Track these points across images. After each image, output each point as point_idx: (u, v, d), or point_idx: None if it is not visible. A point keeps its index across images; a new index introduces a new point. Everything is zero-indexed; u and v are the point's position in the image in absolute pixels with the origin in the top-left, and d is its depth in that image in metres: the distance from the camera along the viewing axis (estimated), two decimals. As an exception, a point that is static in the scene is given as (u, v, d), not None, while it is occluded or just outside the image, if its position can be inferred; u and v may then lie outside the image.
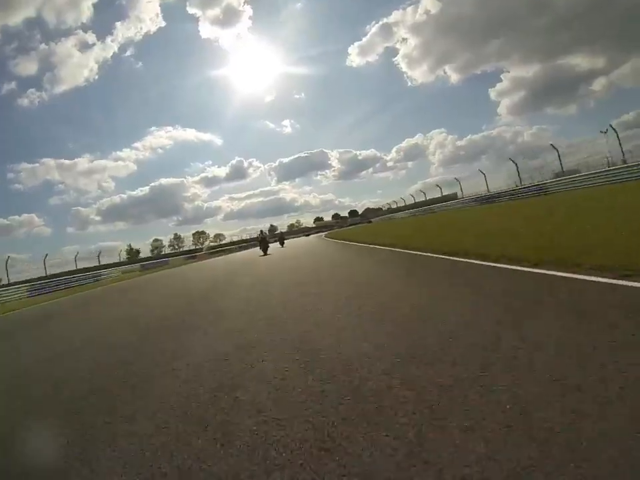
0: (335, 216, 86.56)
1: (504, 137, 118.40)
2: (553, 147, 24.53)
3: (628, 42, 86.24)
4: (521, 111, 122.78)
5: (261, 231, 22.83)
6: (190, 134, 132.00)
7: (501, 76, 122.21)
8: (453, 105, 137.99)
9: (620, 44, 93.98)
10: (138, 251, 68.59)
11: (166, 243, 76.70)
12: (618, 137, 21.04)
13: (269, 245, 20.52)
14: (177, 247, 79.80)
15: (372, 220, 54.37)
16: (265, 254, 18.73)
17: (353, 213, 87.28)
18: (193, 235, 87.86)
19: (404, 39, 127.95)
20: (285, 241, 31.72)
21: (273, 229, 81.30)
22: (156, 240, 79.52)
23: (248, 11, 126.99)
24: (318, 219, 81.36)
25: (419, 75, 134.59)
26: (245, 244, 64.61)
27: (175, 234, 79.28)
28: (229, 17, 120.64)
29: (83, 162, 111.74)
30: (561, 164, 24.16)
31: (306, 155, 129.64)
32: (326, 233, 49.81)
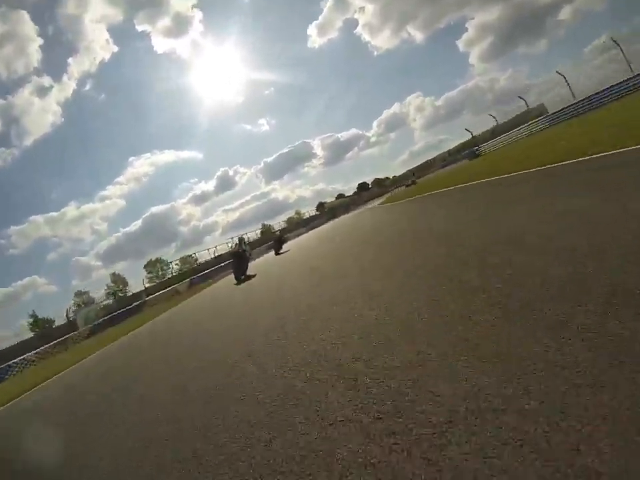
0: (340, 196, 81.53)
1: (481, 87, 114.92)
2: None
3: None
4: (492, 57, 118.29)
5: (240, 240, 14.27)
6: (169, 156, 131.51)
7: (466, 25, 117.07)
8: (424, 65, 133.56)
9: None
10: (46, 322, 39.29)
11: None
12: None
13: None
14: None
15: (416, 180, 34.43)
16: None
17: (363, 186, 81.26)
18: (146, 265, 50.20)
19: (361, 8, 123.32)
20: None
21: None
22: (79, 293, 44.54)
23: (197, 14, 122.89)
24: (320, 205, 74.92)
25: (382, 41, 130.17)
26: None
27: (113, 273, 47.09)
28: (179, 25, 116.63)
29: (70, 210, 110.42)
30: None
31: (289, 149, 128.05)
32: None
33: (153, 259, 49.83)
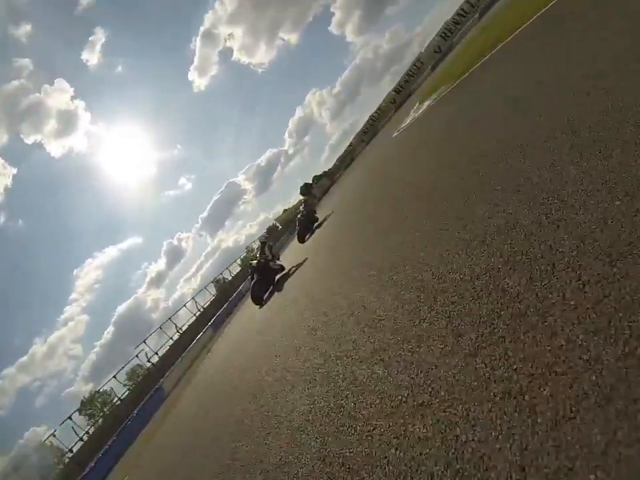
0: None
1: (368, 58, 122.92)
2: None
3: None
4: (366, 28, 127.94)
5: (262, 246, 10.46)
6: (111, 252, 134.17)
7: (331, 9, 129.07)
8: (308, 62, 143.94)
9: None
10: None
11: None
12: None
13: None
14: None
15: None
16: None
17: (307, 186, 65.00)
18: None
19: (229, 35, 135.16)
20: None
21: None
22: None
23: (79, 104, 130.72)
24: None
25: (262, 57, 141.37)
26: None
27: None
28: (67, 122, 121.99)
29: (39, 348, 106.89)
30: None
31: (218, 196, 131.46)
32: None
33: (87, 397, 31.60)
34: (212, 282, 34.68)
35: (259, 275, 9.69)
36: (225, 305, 25.02)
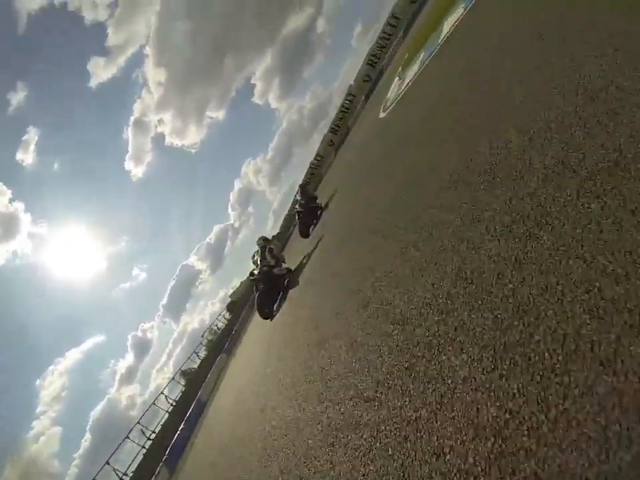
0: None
1: (294, 121, 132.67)
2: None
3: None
4: (288, 92, 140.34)
5: (262, 250, 9.06)
6: (73, 355, 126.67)
7: (252, 82, 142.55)
8: (238, 135, 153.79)
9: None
10: None
11: None
12: None
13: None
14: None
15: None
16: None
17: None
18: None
19: (159, 120, 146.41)
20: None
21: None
22: None
23: (19, 206, 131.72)
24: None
25: (193, 137, 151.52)
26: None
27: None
28: (7, 226, 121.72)
29: (10, 474, 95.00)
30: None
31: (174, 280, 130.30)
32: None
33: None
34: (179, 373, 31.00)
35: (263, 284, 8.60)
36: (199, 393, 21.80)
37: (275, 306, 8.54)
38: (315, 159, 28.45)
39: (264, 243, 8.96)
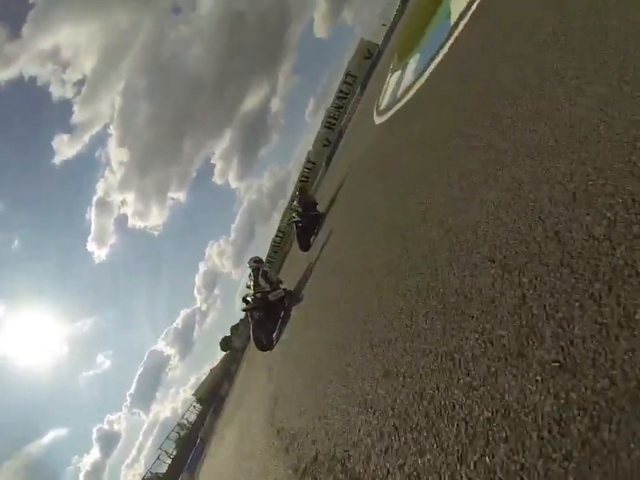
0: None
1: (255, 200, 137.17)
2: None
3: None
4: (247, 172, 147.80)
5: (255, 273, 7.76)
6: (31, 450, 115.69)
7: (212, 161, 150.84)
8: (200, 216, 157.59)
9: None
10: None
11: None
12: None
13: None
14: None
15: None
16: None
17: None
18: None
19: (122, 201, 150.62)
20: None
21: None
22: None
23: None
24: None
25: (156, 219, 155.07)
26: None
27: None
28: None
29: None
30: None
31: (142, 368, 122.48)
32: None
33: None
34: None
35: (259, 312, 7.64)
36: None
37: (275, 334, 7.59)
38: (277, 235, 28.78)
39: (257, 265, 8.07)
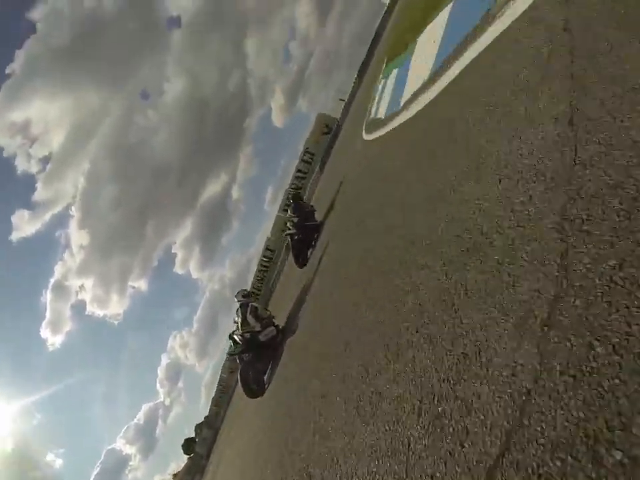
0: None
1: (217, 290, 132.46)
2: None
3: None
4: (209, 261, 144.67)
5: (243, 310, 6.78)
6: None
7: (173, 251, 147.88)
8: (162, 305, 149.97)
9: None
10: None
11: None
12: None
13: None
14: None
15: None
16: None
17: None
18: None
19: (80, 286, 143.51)
20: None
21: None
22: None
23: None
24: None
25: (116, 307, 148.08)
26: None
27: None
28: None
29: None
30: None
31: (98, 468, 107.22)
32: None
33: None
34: None
35: (247, 353, 6.73)
36: None
37: (266, 377, 6.69)
38: (264, 256, 27.29)
39: (245, 300, 7.25)
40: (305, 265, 8.71)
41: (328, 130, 20.30)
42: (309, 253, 8.83)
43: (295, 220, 8.66)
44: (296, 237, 8.61)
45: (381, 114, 7.48)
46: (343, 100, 20.79)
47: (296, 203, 9.20)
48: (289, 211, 9.42)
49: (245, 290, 7.40)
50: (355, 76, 21.45)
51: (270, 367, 6.80)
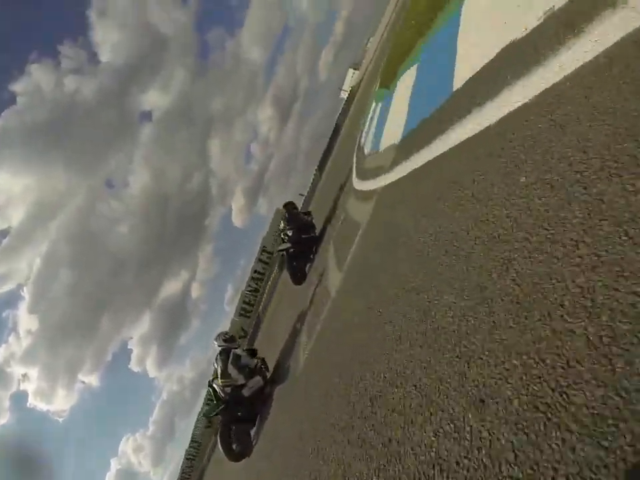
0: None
1: (174, 391, 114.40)
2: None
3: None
4: (167, 360, 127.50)
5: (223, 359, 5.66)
6: None
7: (129, 347, 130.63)
8: (115, 404, 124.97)
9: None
10: None
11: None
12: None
13: None
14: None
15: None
16: None
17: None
18: None
19: (24, 375, 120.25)
20: None
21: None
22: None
23: None
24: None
25: (61, 403, 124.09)
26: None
27: None
28: None
29: None
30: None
31: None
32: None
33: None
34: None
35: (229, 408, 5.58)
36: None
37: (252, 432, 5.60)
38: (190, 446, 23.60)
39: (226, 345, 6.24)
40: (303, 281, 7.90)
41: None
42: (307, 269, 8.05)
43: (290, 233, 7.86)
44: (291, 251, 7.78)
45: (367, 146, 7.42)
46: (303, 195, 21.31)
47: (291, 213, 8.30)
48: (281, 223, 8.56)
49: (227, 333, 6.34)
50: (315, 169, 22.43)
51: (255, 427, 5.71)
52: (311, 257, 8.11)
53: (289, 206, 8.54)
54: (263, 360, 6.31)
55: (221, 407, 5.66)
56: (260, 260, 18.94)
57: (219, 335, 6.22)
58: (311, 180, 21.91)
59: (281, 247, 8.22)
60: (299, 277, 8.00)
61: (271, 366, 6.39)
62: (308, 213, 9.08)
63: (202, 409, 6.53)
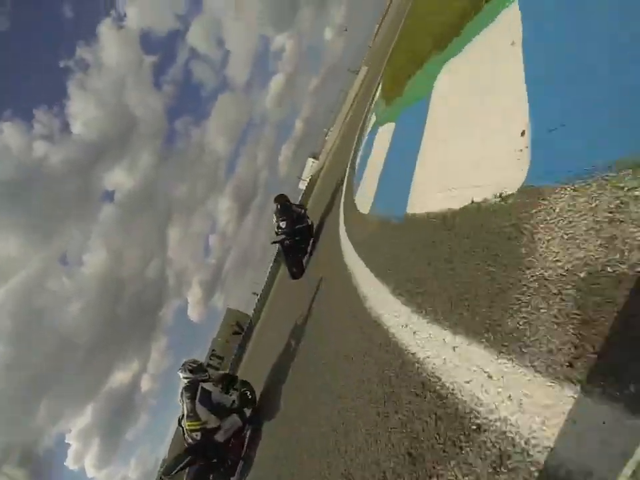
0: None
1: None
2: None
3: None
4: (109, 456, 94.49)
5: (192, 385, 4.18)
6: None
7: (67, 440, 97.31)
8: None
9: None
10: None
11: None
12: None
13: None
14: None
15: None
16: None
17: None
18: None
19: None
20: None
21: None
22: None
23: None
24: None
25: None
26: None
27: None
28: None
29: None
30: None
31: None
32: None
33: None
34: None
35: (200, 456, 4.09)
36: None
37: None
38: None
39: (193, 376, 4.79)
40: (300, 275, 7.75)
41: (240, 329, 18.20)
42: (304, 261, 7.90)
43: (283, 224, 7.64)
44: (287, 242, 7.57)
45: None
46: (256, 294, 19.81)
47: (281, 205, 8.03)
48: (274, 217, 8.11)
49: (194, 362, 5.00)
50: (271, 262, 21.84)
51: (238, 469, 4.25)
52: (308, 249, 8.12)
53: (281, 199, 8.27)
54: (243, 390, 5.08)
55: (187, 460, 4.29)
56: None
57: (184, 365, 4.93)
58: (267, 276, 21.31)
59: (275, 239, 7.95)
60: (296, 271, 7.91)
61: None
62: (301, 206, 9.11)
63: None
